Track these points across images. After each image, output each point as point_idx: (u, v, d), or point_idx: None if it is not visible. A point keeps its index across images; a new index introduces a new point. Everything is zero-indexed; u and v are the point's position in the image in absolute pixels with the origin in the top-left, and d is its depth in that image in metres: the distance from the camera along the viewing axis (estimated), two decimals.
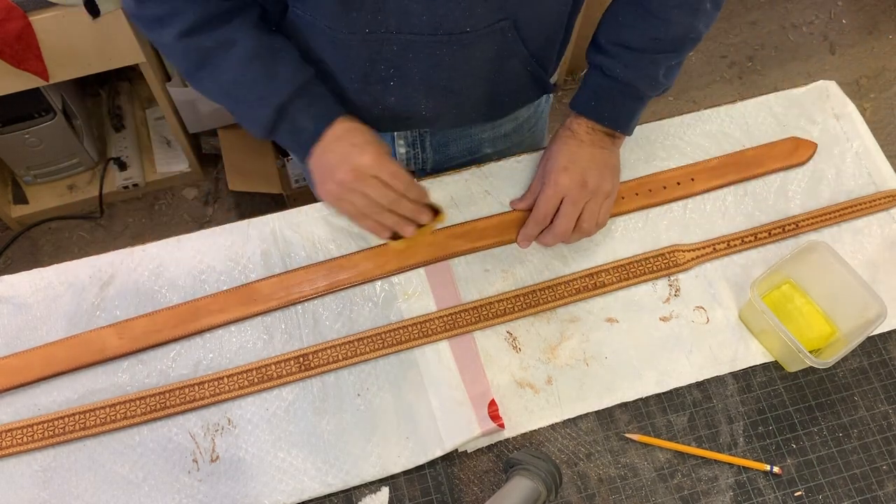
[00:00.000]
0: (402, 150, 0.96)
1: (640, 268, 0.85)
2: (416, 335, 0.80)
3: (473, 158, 0.99)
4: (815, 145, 0.93)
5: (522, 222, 0.86)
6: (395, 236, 0.78)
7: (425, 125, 0.90)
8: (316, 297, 0.82)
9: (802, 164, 0.93)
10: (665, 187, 0.90)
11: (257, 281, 0.83)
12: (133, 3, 0.72)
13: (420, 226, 0.78)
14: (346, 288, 0.83)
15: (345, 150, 0.74)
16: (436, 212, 0.79)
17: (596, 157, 0.83)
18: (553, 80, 0.91)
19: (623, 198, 0.89)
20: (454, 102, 0.83)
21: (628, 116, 0.83)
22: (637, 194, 0.89)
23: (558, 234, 0.83)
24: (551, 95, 1.02)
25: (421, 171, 0.99)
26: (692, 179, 0.91)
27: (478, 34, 0.72)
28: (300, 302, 0.82)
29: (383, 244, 0.85)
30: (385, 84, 0.77)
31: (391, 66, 0.75)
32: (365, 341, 0.80)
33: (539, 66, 0.83)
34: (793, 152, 0.93)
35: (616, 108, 0.81)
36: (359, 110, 0.80)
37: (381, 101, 0.80)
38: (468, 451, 0.77)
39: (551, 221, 0.83)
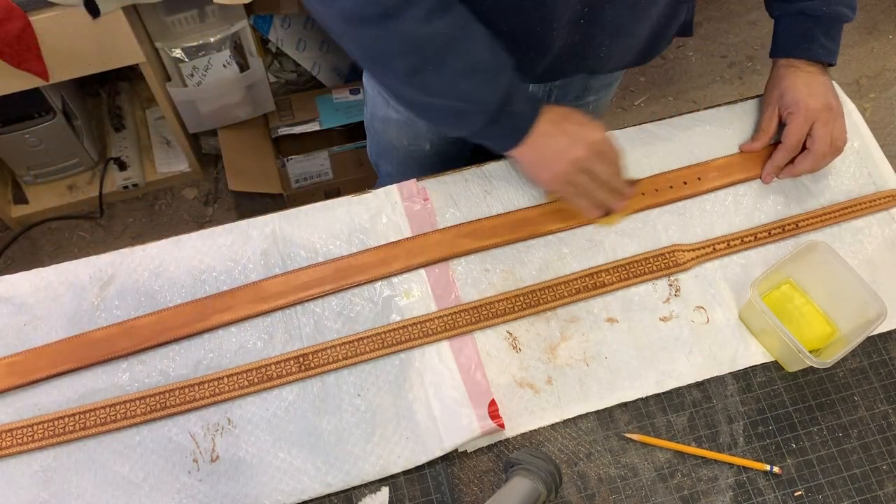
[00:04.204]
0: None
1: (640, 268, 0.85)
2: (416, 335, 0.80)
3: (578, 104, 1.04)
4: None
5: (530, 221, 0.86)
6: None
7: (595, 66, 0.90)
8: (321, 296, 0.82)
9: None
10: (671, 186, 0.90)
11: (265, 279, 0.83)
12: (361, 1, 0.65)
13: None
14: (349, 288, 0.83)
15: (573, 130, 0.76)
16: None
17: (825, 82, 0.89)
18: None
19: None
20: (626, 45, 0.86)
21: (837, 45, 0.88)
22: (643, 194, 0.89)
23: (818, 156, 0.87)
24: None
25: None
26: (699, 178, 0.91)
27: None
28: (303, 302, 0.82)
29: (387, 244, 0.85)
30: (576, 23, 0.78)
31: (587, 5, 0.76)
32: (365, 341, 0.80)
33: (693, 9, 0.90)
34: None
35: (827, 43, 0.87)
36: (542, 57, 0.82)
37: (567, 40, 0.81)
38: (468, 451, 0.77)
39: (803, 148, 0.88)
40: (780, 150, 0.89)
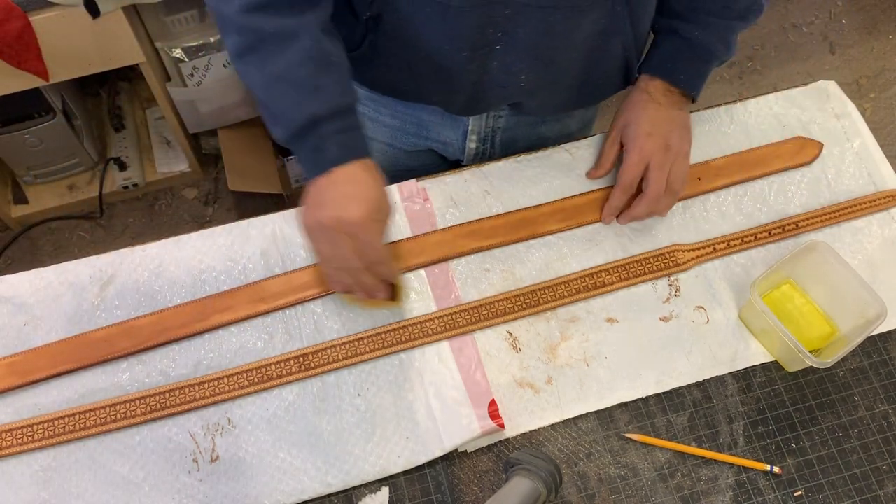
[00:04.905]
0: (473, 146, 0.97)
1: (640, 268, 0.85)
2: (416, 335, 0.80)
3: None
4: (822, 145, 0.93)
5: (530, 221, 0.86)
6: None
7: (520, 98, 0.88)
8: (321, 296, 0.82)
9: (808, 163, 0.93)
10: None
11: (265, 279, 0.83)
12: None
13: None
14: None
15: (343, 195, 0.70)
16: (394, 293, 0.80)
17: (674, 118, 0.85)
18: None
19: None
20: (553, 78, 0.84)
21: (701, 79, 0.86)
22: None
23: (651, 200, 0.84)
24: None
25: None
26: (699, 179, 0.91)
27: (592, 2, 0.74)
28: (303, 302, 0.82)
29: (387, 244, 0.85)
30: (491, 48, 0.77)
31: (500, 30, 0.75)
32: (365, 341, 0.80)
33: (635, 53, 0.87)
34: (799, 152, 0.93)
35: (692, 70, 0.85)
36: (460, 82, 0.81)
37: (484, 67, 0.79)
38: (468, 451, 0.77)
39: (638, 191, 0.85)
40: (616, 190, 0.85)
